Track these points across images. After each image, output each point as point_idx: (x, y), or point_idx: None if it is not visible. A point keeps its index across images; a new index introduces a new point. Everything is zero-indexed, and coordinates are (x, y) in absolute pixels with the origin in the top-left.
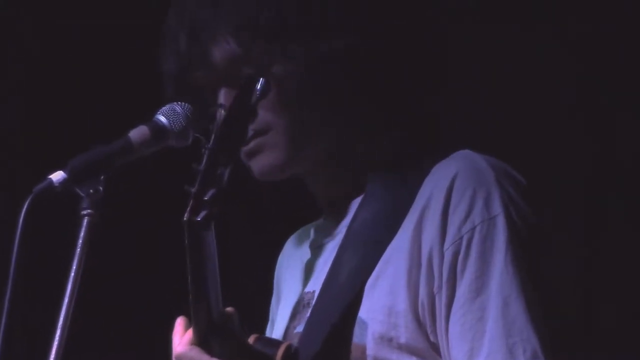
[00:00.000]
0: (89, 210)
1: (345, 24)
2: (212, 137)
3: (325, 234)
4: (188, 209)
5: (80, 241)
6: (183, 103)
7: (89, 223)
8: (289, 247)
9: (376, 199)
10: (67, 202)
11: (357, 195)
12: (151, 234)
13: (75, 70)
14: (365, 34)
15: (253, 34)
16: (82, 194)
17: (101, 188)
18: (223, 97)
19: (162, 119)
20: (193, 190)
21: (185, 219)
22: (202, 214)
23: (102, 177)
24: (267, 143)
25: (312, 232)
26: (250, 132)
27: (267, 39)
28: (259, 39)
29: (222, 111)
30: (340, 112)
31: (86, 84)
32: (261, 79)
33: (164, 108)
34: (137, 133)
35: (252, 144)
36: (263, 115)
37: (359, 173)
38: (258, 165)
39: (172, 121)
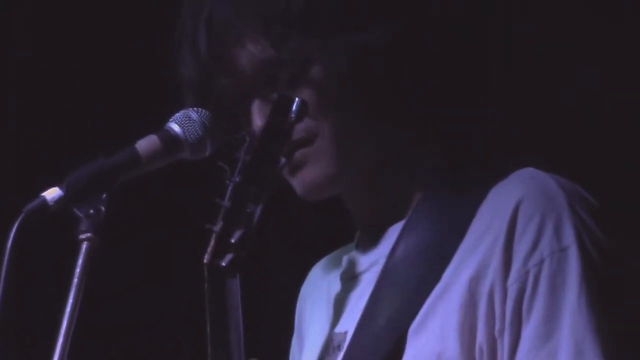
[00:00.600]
0: (88, 234)
1: (391, 9)
2: (239, 168)
3: (360, 262)
4: (209, 250)
5: (78, 270)
6: (199, 109)
7: (88, 249)
8: (314, 276)
9: (423, 224)
10: (63, 224)
11: (400, 219)
12: (161, 250)
13: (75, 71)
14: (414, 21)
15: (285, 28)
16: (80, 215)
17: (103, 208)
18: (257, 111)
19: (175, 127)
20: (216, 229)
21: (206, 261)
22: (228, 258)
23: (104, 195)
24: (314, 153)
25: (344, 259)
26: (295, 138)
27: (303, 33)
28: (293, 34)
29: (250, 137)
30: (386, 115)
31: (88, 87)
32: (297, 99)
33: (177, 115)
34: (146, 144)
35: (296, 156)
36: (305, 122)
37: (404, 191)
38: (305, 180)
39: (187, 130)
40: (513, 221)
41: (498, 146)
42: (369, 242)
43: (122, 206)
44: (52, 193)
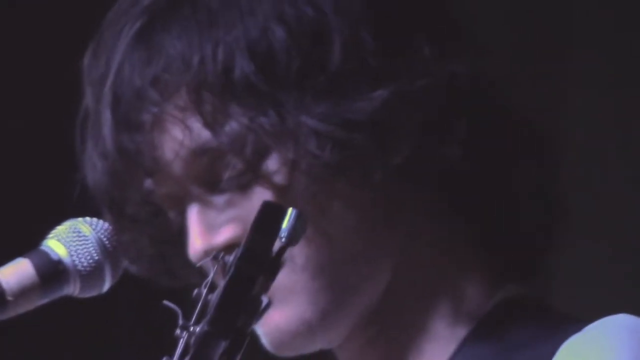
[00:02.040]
0: None
1: (390, 68)
2: (198, 311)
3: None
4: None
5: None
6: (94, 220)
7: None
8: None
9: None
10: None
11: None
12: None
13: None
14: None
15: (225, 100)
16: None
17: None
18: (195, 225)
19: (58, 248)
20: None
21: None
22: None
23: None
24: (284, 287)
25: None
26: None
27: (253, 106)
28: (236, 109)
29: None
30: (395, 222)
31: None
32: (292, 209)
33: (60, 229)
34: (14, 274)
35: None
36: None
37: (423, 346)
38: (273, 326)
39: (76, 253)
40: None
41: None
42: None
43: None
44: None
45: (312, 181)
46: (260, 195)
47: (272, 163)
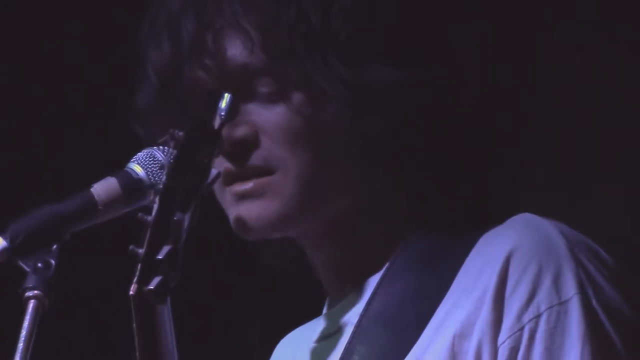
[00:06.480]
0: (35, 292)
1: (420, 51)
2: (164, 173)
3: (332, 324)
4: (135, 278)
5: (23, 332)
6: (165, 148)
7: (35, 308)
8: (280, 352)
9: (403, 275)
10: (7, 278)
11: (377, 271)
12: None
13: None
14: (438, 69)
15: (289, 42)
16: (27, 269)
17: (53, 261)
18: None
19: (138, 169)
20: (141, 251)
21: (132, 293)
22: (155, 281)
23: (54, 247)
24: (272, 186)
25: (314, 324)
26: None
27: (308, 46)
28: (295, 49)
29: (176, 139)
30: (377, 161)
31: (34, 119)
32: (227, 95)
33: (139, 155)
34: (104, 188)
35: (250, 185)
36: (274, 148)
37: (381, 240)
38: (249, 213)
39: (152, 173)
40: (504, 272)
41: (503, 195)
42: (343, 300)
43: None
44: None
45: (331, 115)
46: (280, 112)
47: (302, 95)
